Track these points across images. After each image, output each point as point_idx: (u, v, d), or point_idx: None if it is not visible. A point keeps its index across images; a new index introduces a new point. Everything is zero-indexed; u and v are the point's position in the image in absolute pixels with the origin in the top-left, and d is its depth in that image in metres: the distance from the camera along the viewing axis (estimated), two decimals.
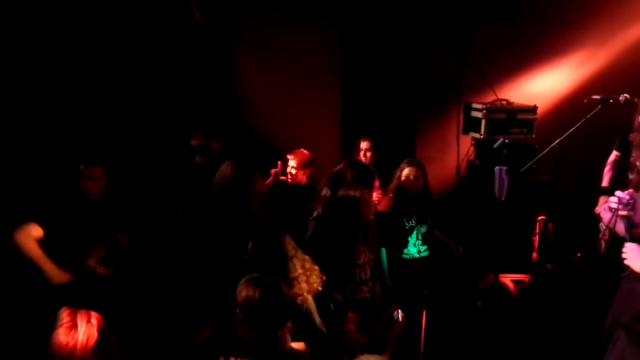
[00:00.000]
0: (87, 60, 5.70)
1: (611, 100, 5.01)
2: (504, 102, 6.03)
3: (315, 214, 4.90)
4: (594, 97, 5.15)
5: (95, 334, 2.41)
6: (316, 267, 3.75)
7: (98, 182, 4.22)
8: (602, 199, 4.88)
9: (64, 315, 2.45)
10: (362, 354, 3.23)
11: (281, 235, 3.68)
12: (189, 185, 4.95)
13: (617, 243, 3.21)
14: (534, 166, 5.56)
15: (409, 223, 5.02)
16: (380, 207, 5.04)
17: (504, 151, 5.26)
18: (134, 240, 4.31)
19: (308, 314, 3.64)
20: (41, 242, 4.00)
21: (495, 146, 5.43)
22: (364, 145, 5.66)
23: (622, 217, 3.13)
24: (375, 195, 4.91)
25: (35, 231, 4.00)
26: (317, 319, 3.68)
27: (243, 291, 3.06)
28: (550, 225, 5.67)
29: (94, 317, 2.45)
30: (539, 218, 5.68)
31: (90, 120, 5.59)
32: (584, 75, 6.38)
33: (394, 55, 6.24)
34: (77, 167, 4.24)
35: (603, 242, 3.56)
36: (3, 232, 4.04)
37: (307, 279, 3.68)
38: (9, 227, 4.06)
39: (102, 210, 4.27)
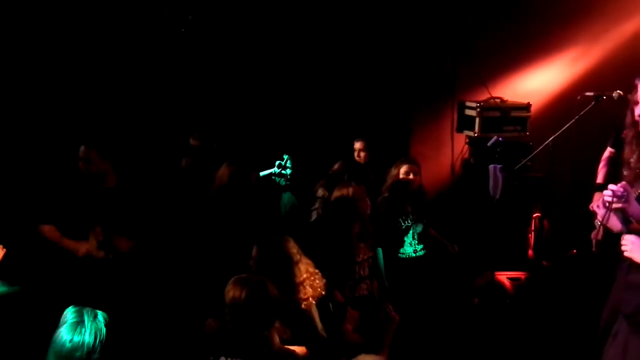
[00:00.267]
0: (81, 60, 5.73)
1: (604, 97, 5.01)
2: (498, 100, 6.04)
3: (314, 215, 4.94)
4: (587, 94, 5.16)
5: (104, 331, 2.41)
6: (318, 271, 3.76)
7: (91, 165, 4.19)
8: (596, 195, 4.88)
9: (70, 312, 2.45)
10: (359, 353, 3.22)
11: (286, 240, 3.68)
12: (177, 187, 4.98)
13: (610, 241, 3.22)
14: (529, 164, 5.57)
15: (405, 222, 5.03)
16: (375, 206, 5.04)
17: (498, 149, 5.29)
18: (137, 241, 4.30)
19: (311, 318, 3.65)
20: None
21: (489, 144, 5.46)
22: (357, 145, 5.67)
23: (617, 210, 3.13)
24: None
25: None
26: (319, 325, 3.69)
27: (230, 291, 3.07)
28: (545, 222, 5.68)
29: (101, 314, 2.45)
30: (534, 215, 5.69)
31: (91, 118, 5.63)
32: (577, 72, 6.40)
33: (388, 54, 6.24)
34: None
35: (594, 241, 3.54)
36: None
37: (312, 284, 3.69)
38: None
39: (107, 196, 4.27)
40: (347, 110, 6.16)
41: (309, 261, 3.73)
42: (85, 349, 2.36)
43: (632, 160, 3.45)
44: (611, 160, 4.86)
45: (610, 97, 4.97)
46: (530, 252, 5.65)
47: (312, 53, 6.16)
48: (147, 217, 4.31)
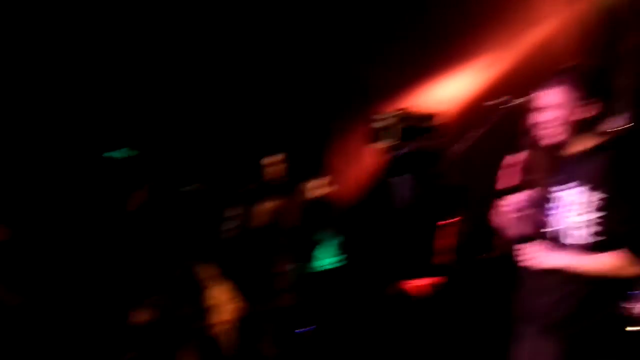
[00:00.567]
0: None
1: (509, 103, 5.11)
2: (411, 110, 6.11)
3: (232, 227, 4.92)
4: (494, 101, 5.25)
5: None
6: (234, 296, 3.76)
7: None
8: (504, 199, 4.98)
9: None
10: None
11: (197, 265, 3.67)
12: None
13: (514, 245, 3.28)
14: (442, 171, 5.64)
15: (321, 235, 5.06)
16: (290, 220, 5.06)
17: (411, 159, 5.34)
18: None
19: (224, 342, 3.63)
20: None
21: (398, 155, 5.52)
22: (272, 160, 5.66)
23: (518, 217, 3.20)
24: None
25: None
26: (231, 349, 3.67)
27: (137, 315, 3.05)
28: (460, 227, 5.75)
29: None
30: (449, 221, 5.76)
31: None
32: (489, 78, 6.53)
33: (301, 66, 6.25)
34: None
35: (497, 246, 3.64)
36: None
37: (224, 309, 3.69)
38: None
39: None
40: (260, 125, 6.14)
41: (225, 286, 3.72)
42: None
43: (531, 166, 3.55)
44: (518, 165, 4.96)
45: (515, 103, 5.07)
46: (444, 257, 5.71)
47: (224, 66, 6.12)
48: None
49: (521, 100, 5.10)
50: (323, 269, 5.02)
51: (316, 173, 5.33)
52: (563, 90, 3.02)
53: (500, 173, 5.03)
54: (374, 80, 6.33)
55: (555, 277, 3.03)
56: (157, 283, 3.66)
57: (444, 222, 5.73)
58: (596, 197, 2.91)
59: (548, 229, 3.12)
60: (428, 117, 6.06)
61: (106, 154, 4.97)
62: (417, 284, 5.41)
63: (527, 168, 3.72)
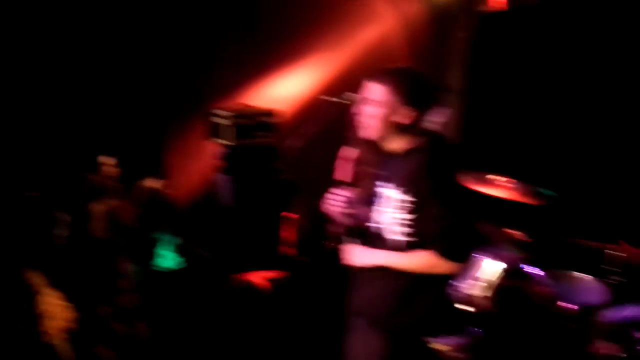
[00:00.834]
0: None
1: (339, 100, 5.28)
2: (248, 107, 6.18)
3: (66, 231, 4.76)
4: (325, 97, 5.40)
5: None
6: (66, 303, 3.67)
7: None
8: (329, 193, 5.15)
9: None
10: None
11: (26, 271, 3.55)
12: None
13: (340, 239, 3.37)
14: (279, 167, 5.76)
15: (161, 235, 5.01)
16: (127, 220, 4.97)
17: (248, 155, 5.40)
18: None
19: (59, 347, 3.54)
20: None
21: (235, 152, 5.57)
22: (107, 160, 5.51)
23: (345, 212, 3.26)
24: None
25: None
26: (68, 353, 3.59)
27: None
28: (300, 220, 5.89)
29: None
30: (289, 215, 5.88)
31: None
32: (324, 77, 6.71)
33: (137, 64, 6.14)
34: None
35: (328, 239, 3.70)
36: None
37: (56, 315, 3.59)
38: None
39: None
40: (94, 124, 5.97)
41: (55, 293, 3.63)
42: None
43: (362, 161, 3.63)
44: (348, 159, 5.12)
45: (344, 100, 5.24)
46: (287, 250, 5.83)
47: (54, 64, 5.88)
48: None
49: (354, 96, 5.31)
50: (164, 268, 4.96)
51: (153, 171, 5.25)
52: (384, 90, 3.08)
53: (335, 167, 5.20)
54: (212, 78, 6.32)
55: (375, 273, 3.11)
56: None
57: (283, 216, 5.84)
58: (408, 198, 2.99)
59: (372, 225, 3.19)
60: (265, 114, 6.16)
61: None
62: (259, 277, 5.48)
63: (359, 162, 3.84)
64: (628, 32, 5.91)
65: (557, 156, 6.24)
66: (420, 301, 3.06)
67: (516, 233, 4.61)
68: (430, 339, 3.14)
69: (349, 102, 5.31)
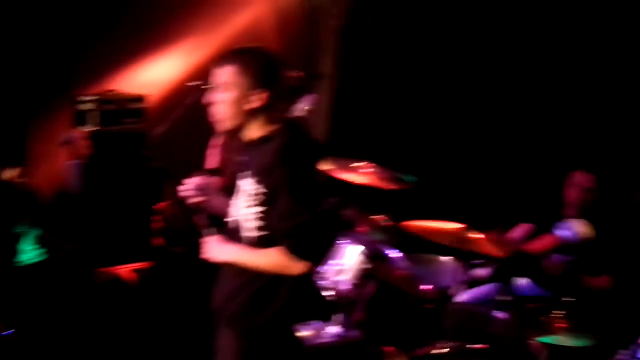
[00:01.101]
0: None
1: (207, 86, 5.23)
2: (114, 93, 6.04)
3: None
4: (194, 82, 5.34)
5: None
6: None
7: None
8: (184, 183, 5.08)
9: None
10: None
11: None
12: None
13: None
14: (148, 154, 5.66)
15: (20, 227, 4.82)
16: None
17: (114, 141, 5.26)
18: None
19: None
20: None
21: (101, 138, 5.42)
22: None
23: (199, 203, 3.06)
24: None
25: None
26: None
27: None
28: (170, 209, 5.79)
29: None
30: (161, 204, 5.77)
31: None
32: (193, 63, 6.61)
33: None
34: None
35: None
36: None
37: None
38: None
39: None
40: None
41: None
42: None
43: (226, 149, 3.53)
44: (216, 147, 5.10)
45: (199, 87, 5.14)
46: (158, 240, 5.72)
47: None
48: None
49: (193, 83, 5.22)
50: (25, 262, 4.78)
51: (14, 160, 5.03)
52: (231, 71, 2.83)
53: (205, 154, 5.15)
54: (79, 63, 6.11)
55: (232, 269, 2.93)
56: None
57: (152, 205, 5.74)
58: (260, 190, 2.81)
59: (229, 219, 3.00)
60: (133, 100, 6.03)
61: None
62: (125, 270, 5.38)
63: (226, 151, 3.74)
64: (491, 16, 6.17)
65: (423, 141, 6.44)
66: (278, 299, 2.84)
67: (378, 217, 4.73)
68: (296, 327, 3.06)
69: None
